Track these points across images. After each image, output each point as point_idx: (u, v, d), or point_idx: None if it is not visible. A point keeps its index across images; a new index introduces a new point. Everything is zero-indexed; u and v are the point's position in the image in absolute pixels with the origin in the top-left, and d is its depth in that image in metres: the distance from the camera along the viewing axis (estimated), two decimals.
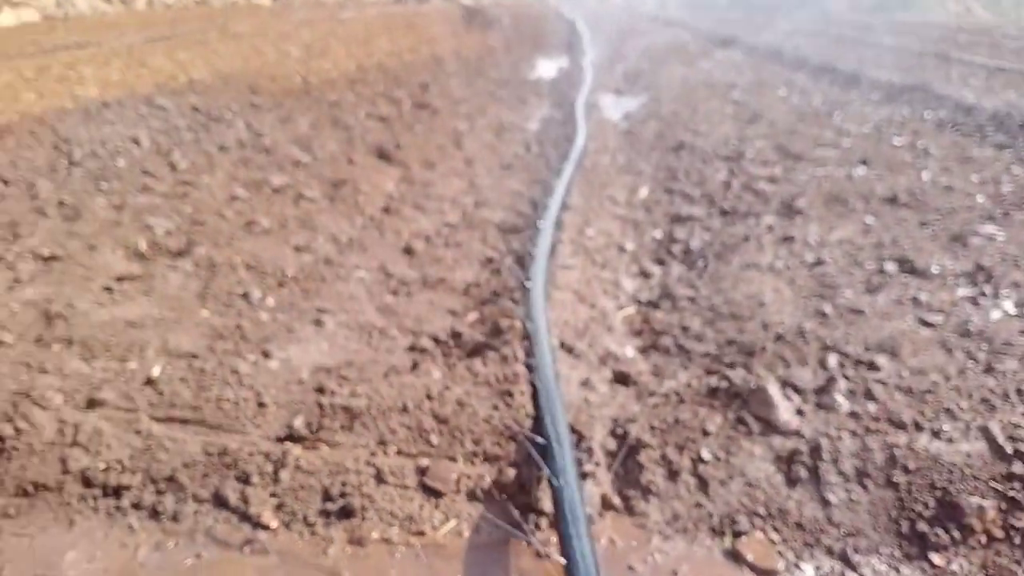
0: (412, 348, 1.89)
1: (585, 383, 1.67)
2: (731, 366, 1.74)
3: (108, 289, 2.10)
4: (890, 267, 2.42)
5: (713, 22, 16.35)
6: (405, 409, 1.41)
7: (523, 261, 2.45)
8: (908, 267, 2.43)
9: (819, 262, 2.46)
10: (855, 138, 4.37)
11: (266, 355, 1.75)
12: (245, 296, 2.11)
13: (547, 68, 8.52)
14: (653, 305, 2.29)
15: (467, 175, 3.75)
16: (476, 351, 1.79)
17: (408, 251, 2.58)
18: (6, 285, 2.11)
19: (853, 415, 1.53)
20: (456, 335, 1.94)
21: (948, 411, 1.54)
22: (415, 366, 1.64)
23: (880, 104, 5.74)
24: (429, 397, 1.45)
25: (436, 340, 1.94)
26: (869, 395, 1.58)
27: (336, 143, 4.19)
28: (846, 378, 1.65)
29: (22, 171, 3.32)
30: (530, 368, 1.57)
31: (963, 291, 2.27)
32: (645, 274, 2.56)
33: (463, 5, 15.88)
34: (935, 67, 7.49)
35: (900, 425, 1.50)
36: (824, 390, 1.59)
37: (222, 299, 2.09)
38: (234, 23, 12.06)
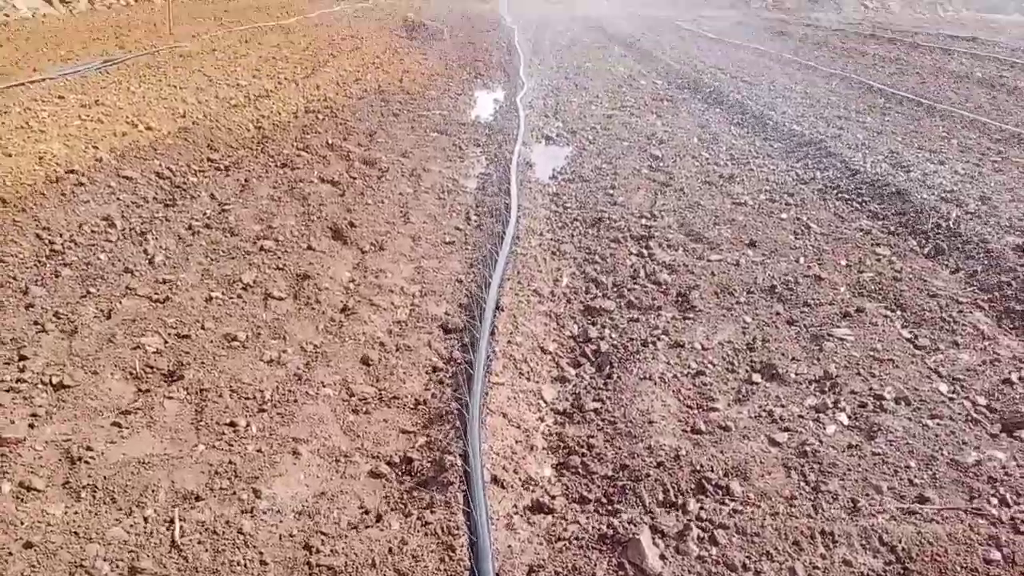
0: (373, 474, 2.41)
1: (510, 524, 2.19)
2: (620, 501, 2.29)
3: (117, 424, 2.54)
4: (756, 377, 3.02)
5: (631, 31, 16.94)
6: (374, 564, 1.92)
7: (464, 373, 2.96)
8: (771, 374, 3.03)
9: (701, 371, 3.05)
10: (749, 211, 5.00)
11: (256, 494, 2.23)
12: (232, 425, 2.58)
13: (485, 103, 9.00)
14: (568, 416, 2.84)
15: (414, 257, 4.24)
16: (425, 484, 2.31)
17: (365, 362, 3.07)
18: (27, 422, 2.53)
19: (700, 559, 2.07)
20: (408, 460, 2.46)
21: (767, 554, 2.09)
22: (379, 518, 2.14)
23: (779, 159, 6.41)
24: (391, 551, 1.97)
25: (392, 464, 2.46)
26: (713, 540, 2.12)
27: (295, 219, 4.63)
28: (699, 519, 2.20)
29: (12, 269, 3.69)
30: (467, 515, 2.09)
31: (810, 401, 2.88)
32: (563, 379, 3.12)
33: (406, 17, 16.14)
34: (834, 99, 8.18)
35: (732, 567, 2.04)
36: (682, 534, 2.12)
37: (213, 429, 2.55)
38: (179, 30, 12.12)
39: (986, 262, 4.15)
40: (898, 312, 3.64)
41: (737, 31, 21.29)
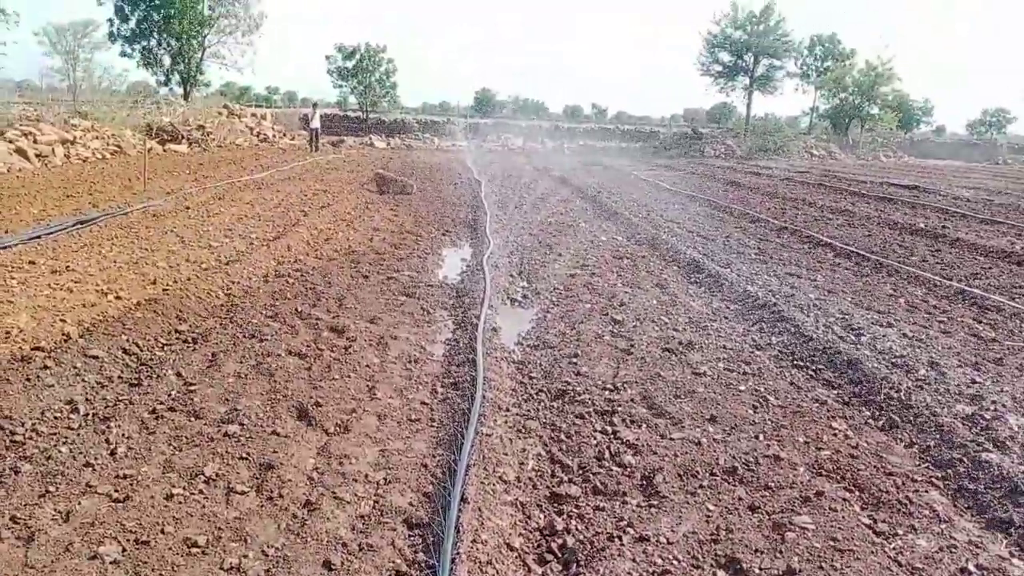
0: None
1: None
2: None
3: None
4: (720, 573, 3.04)
5: (592, 183, 17.74)
6: None
7: None
8: (735, 569, 3.05)
9: (667, 570, 3.05)
10: (708, 382, 5.13)
11: None
12: None
13: (453, 263, 9.28)
14: None
15: (379, 438, 4.25)
16: None
17: (328, 566, 3.03)
18: None
19: None
20: None
21: None
22: None
23: (735, 322, 6.64)
24: None
25: None
26: None
27: (261, 399, 4.65)
28: None
29: None
30: None
31: None
32: None
33: (377, 173, 16.80)
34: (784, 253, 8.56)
35: None
36: None
37: None
38: (154, 185, 12.42)
39: (937, 436, 4.29)
40: (856, 493, 3.71)
41: (692, 182, 22.47)
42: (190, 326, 6.08)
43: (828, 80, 49.86)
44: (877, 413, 4.68)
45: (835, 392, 5.07)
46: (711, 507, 3.54)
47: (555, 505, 3.65)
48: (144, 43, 35.92)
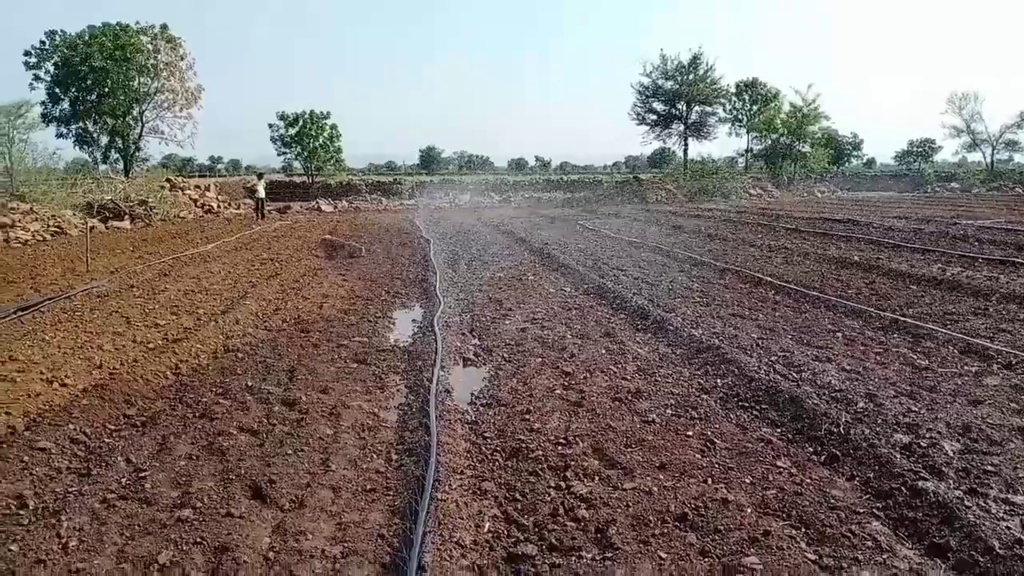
0: None
1: None
2: None
3: None
4: None
5: (539, 235, 18.03)
6: None
7: None
8: None
9: None
10: (657, 429, 5.26)
11: None
12: None
13: (404, 325, 9.33)
14: None
15: (335, 511, 4.25)
16: None
17: None
18: None
19: None
20: None
21: None
22: None
23: (681, 367, 6.82)
24: None
25: None
26: None
27: (214, 480, 4.61)
28: None
29: None
30: None
31: None
32: None
33: (324, 239, 16.85)
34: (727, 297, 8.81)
35: None
36: None
37: None
38: (97, 265, 12.25)
39: (877, 468, 4.46)
40: (802, 530, 3.84)
41: (635, 228, 22.98)
42: (138, 410, 6.01)
43: (758, 124, 51.82)
44: (819, 448, 4.86)
45: (779, 431, 5.24)
46: (663, 555, 3.63)
47: (512, 565, 3.69)
48: (79, 123, 35.68)
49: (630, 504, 4.16)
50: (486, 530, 4.05)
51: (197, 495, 4.39)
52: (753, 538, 3.74)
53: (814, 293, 10.31)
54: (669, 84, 47.61)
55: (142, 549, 3.78)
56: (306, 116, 47.85)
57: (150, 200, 28.61)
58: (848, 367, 6.64)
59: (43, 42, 35.60)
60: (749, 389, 6.04)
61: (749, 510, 4.05)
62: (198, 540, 3.88)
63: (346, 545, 3.88)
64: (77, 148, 36.55)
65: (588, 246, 17.90)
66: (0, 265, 14.86)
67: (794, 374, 6.38)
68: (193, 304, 10.46)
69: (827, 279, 11.89)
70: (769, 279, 11.64)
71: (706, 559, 3.60)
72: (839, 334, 7.99)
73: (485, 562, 3.75)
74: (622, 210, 34.65)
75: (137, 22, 36.29)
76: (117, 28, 35.78)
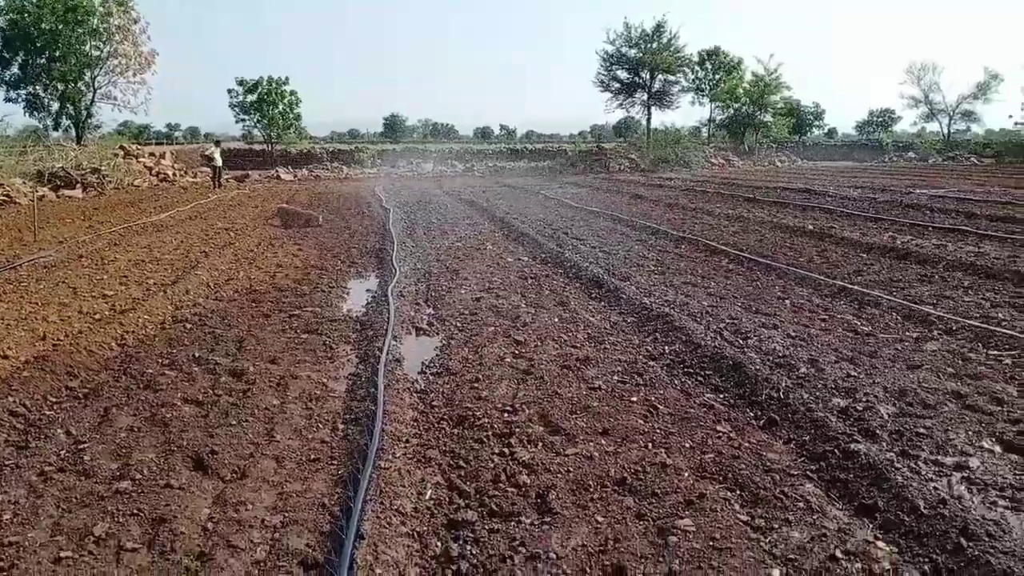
0: None
1: None
2: None
3: None
4: None
5: (500, 204, 17.97)
6: None
7: None
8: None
9: None
10: (603, 396, 5.32)
11: None
12: None
13: (358, 295, 9.27)
14: None
15: (277, 481, 4.24)
16: None
17: None
18: None
19: None
20: None
21: None
22: None
23: (631, 334, 6.88)
24: None
25: None
26: None
27: (155, 452, 4.56)
28: None
29: None
30: None
31: None
32: None
33: (280, 208, 16.60)
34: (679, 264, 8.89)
35: None
36: None
37: None
38: (46, 234, 11.96)
39: (813, 431, 4.57)
40: (737, 492, 3.93)
41: (596, 198, 23.01)
42: (81, 381, 5.90)
43: (721, 93, 52.00)
44: (759, 413, 4.95)
45: (722, 396, 5.33)
46: (600, 519, 3.69)
47: (452, 532, 3.73)
48: (30, 88, 34.52)
49: (571, 469, 4.21)
50: (428, 497, 4.08)
51: (137, 467, 4.34)
52: (689, 501, 3.81)
53: (766, 261, 10.45)
54: (633, 52, 47.41)
55: (78, 521, 3.74)
56: (265, 83, 46.80)
57: (103, 168, 27.87)
58: (793, 333, 6.76)
59: None
60: (695, 356, 6.12)
61: (687, 474, 4.12)
62: (135, 512, 3.84)
63: (286, 515, 3.87)
64: (27, 114, 35.41)
65: (548, 216, 17.89)
66: None
67: (740, 341, 6.48)
68: (143, 274, 10.27)
69: (780, 247, 12.05)
70: (724, 248, 11.77)
71: (642, 522, 3.66)
72: (787, 301, 8.13)
73: (425, 529, 3.78)
74: (585, 179, 34.67)
75: None
76: None
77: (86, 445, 4.65)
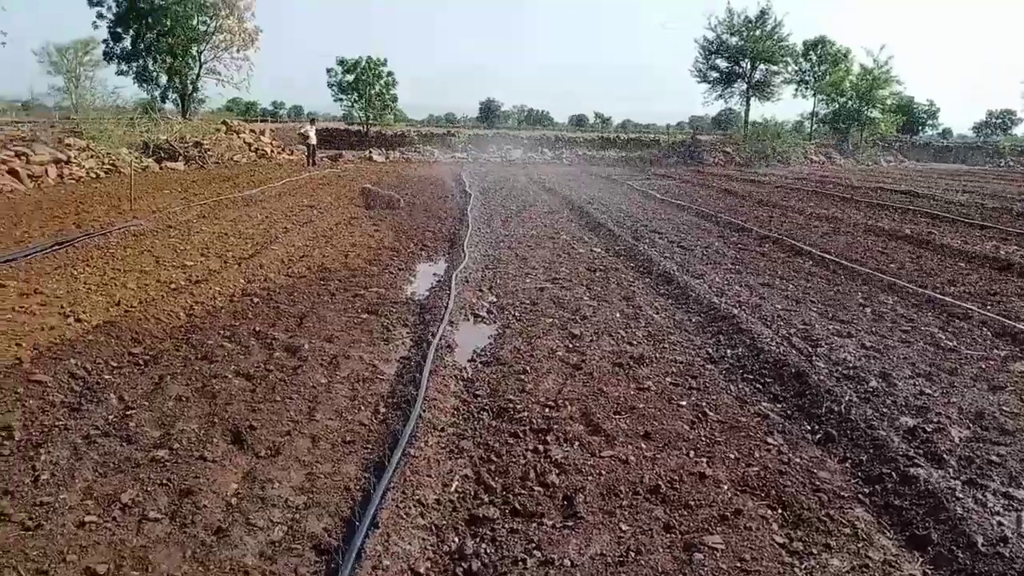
0: None
1: None
2: None
3: None
4: None
5: (584, 194, 17.69)
6: None
7: None
8: None
9: None
10: (651, 397, 5.10)
11: None
12: None
13: (425, 278, 9.28)
14: None
15: (308, 461, 4.23)
16: None
17: None
18: None
19: None
20: None
21: None
22: None
23: (694, 335, 6.60)
24: None
25: None
26: None
27: (198, 423, 4.64)
28: None
29: None
30: None
31: None
32: None
33: (364, 188, 16.85)
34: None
35: None
36: None
37: None
38: (142, 204, 12.53)
39: (872, 451, 4.24)
40: (778, 511, 3.67)
41: (683, 190, 22.44)
42: (144, 348, 6.09)
43: (825, 85, 49.78)
44: (816, 427, 4.64)
45: (779, 406, 5.02)
46: (625, 527, 3.51)
47: (471, 528, 3.62)
48: (139, 61, 36.31)
49: (603, 472, 4.03)
50: (453, 490, 3.98)
51: (177, 436, 4.42)
52: (723, 516, 3.58)
53: (852, 265, 9.89)
54: (734, 40, 45.92)
55: (109, 487, 3.82)
56: (363, 63, 47.72)
57: (205, 142, 29.05)
58: (868, 344, 6.34)
59: None
60: (757, 361, 5.81)
61: (726, 487, 3.88)
62: (165, 481, 3.90)
63: (310, 496, 3.85)
64: (137, 86, 37.25)
65: (630, 207, 17.54)
66: (50, 200, 15.28)
67: (809, 348, 6.12)
68: (224, 247, 10.59)
69: (871, 252, 11.39)
70: (809, 249, 11.22)
71: (669, 534, 3.46)
72: (868, 309, 7.65)
73: (445, 523, 3.68)
74: (675, 171, 33.91)
75: None
76: None
77: (134, 412, 4.77)
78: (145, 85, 37.26)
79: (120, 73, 36.78)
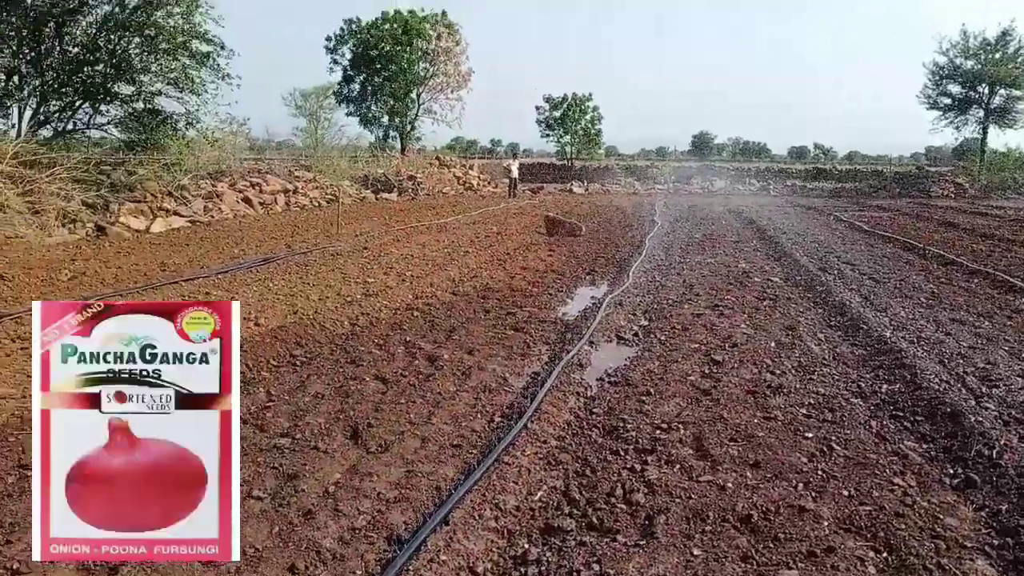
0: None
1: None
2: None
3: None
4: None
5: (780, 224, 16.80)
6: None
7: None
8: None
9: None
10: (774, 427, 4.75)
11: None
12: None
13: (580, 300, 9.32)
14: None
15: (412, 460, 4.41)
16: None
17: (292, 570, 3.23)
18: None
19: None
20: None
21: None
22: None
23: (852, 368, 6.06)
24: None
25: None
26: None
27: (325, 417, 5.01)
28: None
29: None
30: None
31: None
32: None
33: (546, 216, 17.24)
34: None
35: None
36: None
37: None
38: (348, 229, 13.81)
39: (1016, 500, 3.66)
40: (881, 555, 3.28)
41: (896, 222, 20.68)
42: (305, 351, 6.66)
43: None
44: (958, 471, 4.08)
45: (924, 447, 4.48)
46: (697, 552, 3.31)
47: (543, 537, 3.59)
48: (365, 104, 39.99)
49: (694, 496, 3.82)
50: (537, 499, 3.97)
51: (302, 428, 4.80)
52: (811, 552, 3.26)
53: None
54: (969, 63, 41.59)
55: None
56: (569, 99, 48.97)
57: (418, 176, 31.22)
58: None
59: (342, 29, 40.55)
60: (912, 399, 5.22)
61: (826, 523, 3.53)
62: (277, 465, 4.25)
63: (402, 491, 4.01)
64: (361, 126, 40.94)
65: (828, 238, 16.43)
66: (272, 224, 17.17)
67: (981, 388, 5.40)
68: (405, 267, 11.30)
69: None
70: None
71: (743, 564, 3.21)
72: None
73: (518, 528, 3.68)
74: (894, 203, 31.24)
75: (421, 9, 39.78)
76: (407, 15, 39.44)
77: (273, 404, 5.24)
78: (369, 126, 40.89)
79: (349, 114, 40.67)
